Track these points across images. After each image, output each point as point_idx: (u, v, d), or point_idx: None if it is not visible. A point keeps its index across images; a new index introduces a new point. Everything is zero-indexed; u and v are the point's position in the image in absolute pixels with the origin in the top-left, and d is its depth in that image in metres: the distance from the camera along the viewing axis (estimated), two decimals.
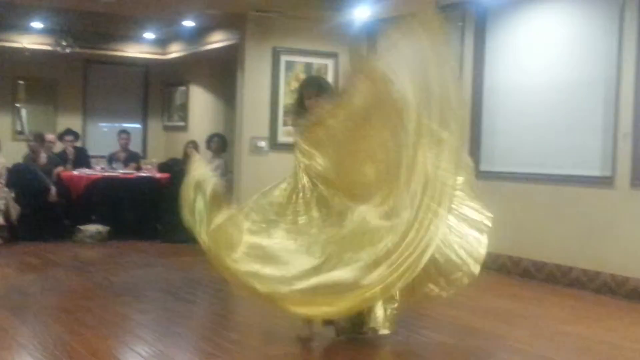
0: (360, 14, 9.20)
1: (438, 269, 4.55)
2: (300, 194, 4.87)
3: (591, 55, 7.15)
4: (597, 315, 6.06)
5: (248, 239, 4.63)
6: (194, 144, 10.73)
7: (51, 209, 9.35)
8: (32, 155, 9.72)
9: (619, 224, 6.74)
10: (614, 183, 6.81)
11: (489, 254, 7.97)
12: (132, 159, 11.11)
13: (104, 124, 13.74)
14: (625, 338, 5.28)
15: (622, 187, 6.74)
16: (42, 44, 11.74)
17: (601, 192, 6.93)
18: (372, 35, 9.82)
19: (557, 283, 7.19)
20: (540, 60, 7.64)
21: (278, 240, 4.64)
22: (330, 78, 9.89)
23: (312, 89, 5.12)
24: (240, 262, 4.50)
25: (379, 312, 4.80)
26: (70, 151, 10.73)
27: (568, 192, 7.16)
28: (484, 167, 8.16)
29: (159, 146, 13.89)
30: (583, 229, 7.05)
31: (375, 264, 4.21)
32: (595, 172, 7.02)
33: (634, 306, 6.36)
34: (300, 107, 5.12)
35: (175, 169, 10.52)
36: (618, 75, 6.80)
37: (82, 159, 10.92)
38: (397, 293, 4.68)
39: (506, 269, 7.77)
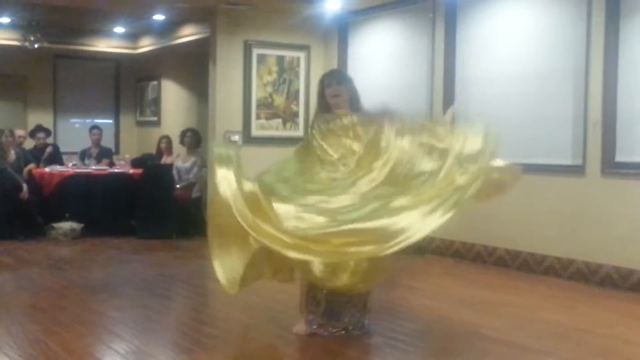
0: (332, 6, 9.20)
1: None
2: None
3: (560, 44, 7.22)
4: (571, 302, 6.13)
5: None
6: (167, 139, 10.68)
7: (23, 207, 9.25)
8: (0, 153, 9.56)
9: (591, 212, 6.83)
10: (584, 171, 6.90)
11: (463, 244, 8.13)
12: (105, 154, 11.03)
13: (75, 120, 13.63)
14: (598, 324, 5.36)
15: (593, 175, 6.83)
16: (9, 39, 11.58)
17: (572, 181, 7.02)
18: (343, 27, 9.84)
19: (532, 271, 7.27)
20: (510, 51, 7.70)
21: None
22: (302, 70, 9.91)
23: (333, 78, 5.18)
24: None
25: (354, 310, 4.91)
26: (45, 149, 10.64)
27: (540, 181, 7.23)
28: None
29: (132, 141, 13.81)
30: (555, 218, 7.13)
31: None
32: (567, 161, 7.10)
33: (607, 293, 6.45)
34: (321, 97, 5.17)
35: (149, 164, 10.48)
36: (587, 64, 6.88)
37: (54, 155, 10.83)
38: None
39: (481, 258, 7.84)
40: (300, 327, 4.94)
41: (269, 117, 9.72)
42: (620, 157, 6.70)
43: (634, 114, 6.60)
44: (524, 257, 7.38)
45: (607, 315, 5.71)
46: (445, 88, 8.27)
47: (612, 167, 6.72)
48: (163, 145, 10.58)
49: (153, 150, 10.94)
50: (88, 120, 13.12)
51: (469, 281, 7.07)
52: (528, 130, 7.46)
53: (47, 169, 9.99)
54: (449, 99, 8.26)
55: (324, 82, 5.18)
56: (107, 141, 12.26)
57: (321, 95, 5.16)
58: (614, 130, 6.72)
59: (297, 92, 9.90)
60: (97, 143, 11.02)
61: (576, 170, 6.98)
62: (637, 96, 6.58)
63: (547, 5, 7.40)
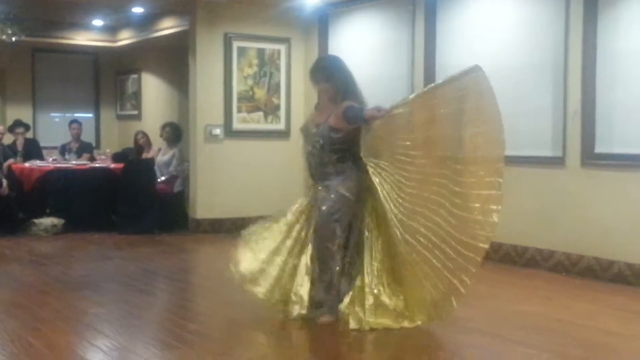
0: None
1: None
2: None
3: (539, 37, 7.25)
4: (551, 293, 6.17)
5: None
6: (143, 134, 10.62)
7: (3, 202, 9.17)
8: None
9: (571, 203, 6.88)
10: (564, 163, 6.95)
11: None
12: (85, 149, 10.96)
13: (55, 114, 13.52)
14: (579, 315, 5.40)
15: (573, 167, 6.88)
16: None
17: (553, 172, 7.06)
18: (323, 19, 9.82)
19: (514, 263, 7.32)
20: (490, 43, 7.71)
21: None
22: (283, 63, 9.88)
23: (321, 75, 5.13)
24: None
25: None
26: (20, 143, 10.56)
27: (521, 173, 7.25)
28: None
29: (113, 136, 13.74)
30: (537, 209, 7.17)
31: None
32: (547, 153, 7.15)
33: (588, 284, 6.50)
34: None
35: (130, 158, 10.43)
36: (566, 57, 6.92)
37: (33, 150, 10.75)
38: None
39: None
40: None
41: (250, 110, 9.70)
42: (599, 149, 6.75)
43: (613, 106, 6.66)
44: (506, 249, 7.42)
45: (588, 306, 5.76)
46: (426, 80, 8.25)
47: (591, 158, 6.77)
48: (142, 141, 10.53)
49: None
50: (68, 115, 13.02)
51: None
52: (508, 122, 7.40)
53: (27, 164, 9.91)
54: None
55: (312, 78, 5.20)
56: (88, 135, 12.18)
57: (314, 87, 5.24)
58: (593, 122, 6.76)
59: (278, 84, 9.88)
60: (77, 137, 10.95)
61: (556, 161, 7.03)
62: (615, 88, 6.63)
63: None
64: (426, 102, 4.78)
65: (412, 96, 4.98)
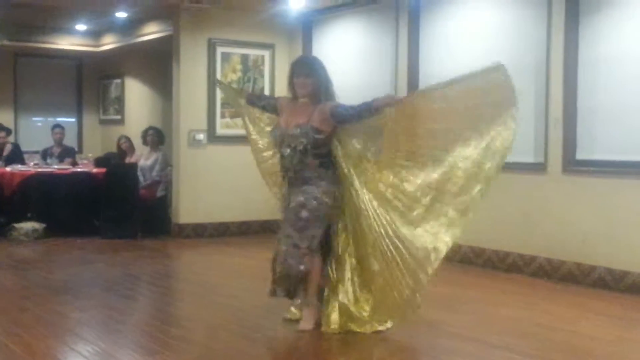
0: (296, 5, 9.20)
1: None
2: None
3: (521, 43, 7.31)
4: (533, 298, 6.20)
5: None
6: (127, 139, 10.59)
7: None
8: None
9: (552, 209, 6.93)
10: (546, 169, 7.00)
11: None
12: (68, 154, 10.91)
13: (37, 119, 13.45)
14: (560, 320, 5.43)
15: (554, 173, 6.93)
16: None
17: (535, 178, 7.11)
18: (307, 25, 9.84)
19: (496, 268, 7.35)
20: (473, 50, 7.76)
21: None
22: (267, 69, 9.89)
23: (302, 70, 5.14)
24: None
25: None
26: (5, 148, 10.50)
27: (503, 179, 7.24)
28: None
29: (95, 140, 13.67)
30: (518, 215, 7.21)
31: None
32: (529, 159, 7.19)
33: (569, 289, 6.54)
34: (291, 84, 5.18)
35: (113, 163, 10.38)
36: (547, 63, 6.97)
37: (15, 155, 10.68)
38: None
39: (446, 256, 7.87)
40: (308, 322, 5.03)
41: (233, 116, 9.68)
42: (580, 155, 6.81)
43: (594, 112, 6.71)
44: (488, 255, 7.46)
45: (569, 311, 5.79)
46: (410, 86, 8.30)
47: (573, 165, 6.82)
48: (125, 146, 10.49)
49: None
50: (50, 119, 12.95)
51: (434, 278, 7.09)
52: None
53: (8, 169, 9.84)
54: None
55: (293, 71, 5.18)
56: (70, 140, 12.12)
57: (290, 82, 5.17)
58: (575, 129, 6.82)
59: (262, 90, 9.87)
60: (59, 142, 10.90)
61: (538, 167, 7.08)
62: (597, 94, 6.69)
63: (509, 5, 7.48)
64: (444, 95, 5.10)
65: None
